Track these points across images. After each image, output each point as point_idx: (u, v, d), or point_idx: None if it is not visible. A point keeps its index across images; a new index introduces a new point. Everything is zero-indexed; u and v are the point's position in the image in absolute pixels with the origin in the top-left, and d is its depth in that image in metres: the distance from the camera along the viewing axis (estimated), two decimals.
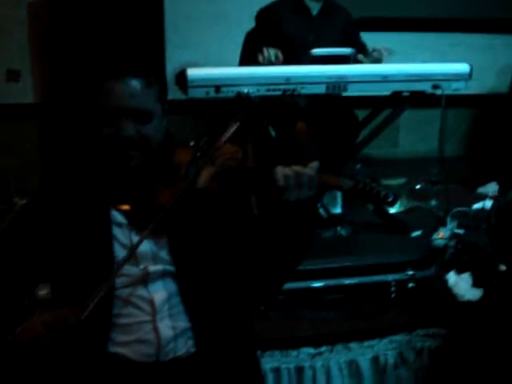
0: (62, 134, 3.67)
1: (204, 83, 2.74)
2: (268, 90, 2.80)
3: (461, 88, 2.95)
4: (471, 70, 2.94)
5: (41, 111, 4.00)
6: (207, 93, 2.74)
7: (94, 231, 1.60)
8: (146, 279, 1.60)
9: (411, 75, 2.90)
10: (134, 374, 1.58)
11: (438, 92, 2.91)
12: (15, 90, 3.98)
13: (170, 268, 1.61)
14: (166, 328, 1.58)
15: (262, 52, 3.04)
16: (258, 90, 2.77)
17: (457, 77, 2.93)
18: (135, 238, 1.59)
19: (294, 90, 2.82)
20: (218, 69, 2.77)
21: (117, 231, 1.62)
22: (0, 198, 3.16)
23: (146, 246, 1.59)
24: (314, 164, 1.53)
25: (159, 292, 1.60)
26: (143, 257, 1.60)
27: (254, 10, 3.45)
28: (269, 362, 2.37)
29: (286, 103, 3.16)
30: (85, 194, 1.64)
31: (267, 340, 2.36)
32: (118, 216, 1.62)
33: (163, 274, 1.61)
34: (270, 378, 2.38)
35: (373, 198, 1.57)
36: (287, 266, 1.66)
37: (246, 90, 2.73)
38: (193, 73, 2.73)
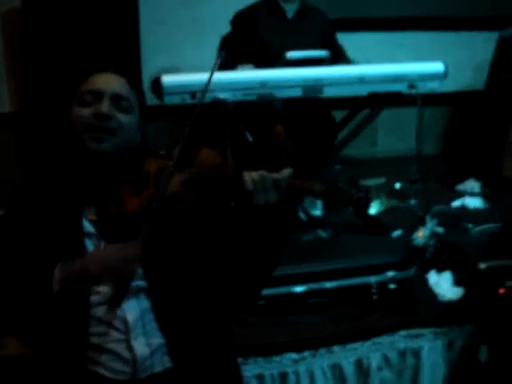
0: (39, 140, 3.64)
1: (179, 90, 2.72)
2: (244, 95, 2.79)
3: (436, 87, 2.95)
4: (446, 68, 2.95)
5: (17, 120, 3.96)
6: (183, 99, 2.73)
7: (67, 242, 1.59)
8: None
9: (386, 76, 2.90)
10: None
11: (414, 92, 2.91)
12: None
13: (142, 283, 1.60)
14: (140, 346, 1.57)
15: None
16: (234, 95, 2.76)
17: (432, 76, 2.93)
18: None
19: (269, 95, 2.82)
20: (192, 75, 2.75)
21: (87, 242, 1.61)
22: None
23: None
24: (286, 170, 1.56)
25: (132, 309, 1.58)
26: None
27: (229, 14, 3.44)
28: (252, 368, 2.37)
29: (262, 107, 3.15)
30: (57, 200, 1.63)
31: (249, 347, 2.36)
32: (88, 226, 1.62)
33: (137, 291, 1.59)
34: None
35: (346, 201, 1.57)
36: (262, 271, 1.66)
37: (221, 96, 2.72)
38: (167, 79, 2.72)
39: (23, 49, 3.76)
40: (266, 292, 2.47)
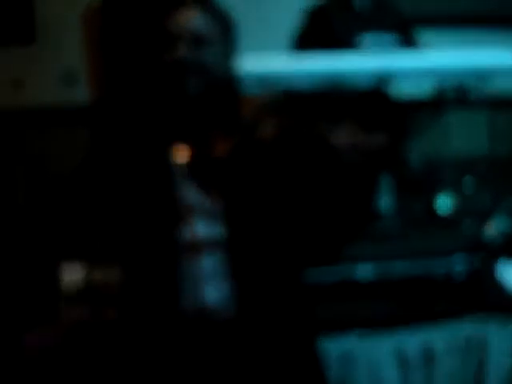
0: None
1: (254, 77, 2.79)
2: (318, 84, 2.85)
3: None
4: None
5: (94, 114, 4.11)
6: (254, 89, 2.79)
7: (157, 186, 1.59)
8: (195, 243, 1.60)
9: (460, 68, 2.90)
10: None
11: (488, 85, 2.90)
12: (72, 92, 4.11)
13: (222, 233, 1.59)
14: (211, 292, 1.59)
15: None
16: (307, 84, 2.82)
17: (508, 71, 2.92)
18: (192, 193, 1.58)
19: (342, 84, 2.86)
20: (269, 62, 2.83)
21: (179, 186, 1.60)
22: None
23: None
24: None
25: (208, 259, 1.59)
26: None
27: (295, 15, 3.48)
28: None
29: (334, 99, 3.19)
30: (144, 146, 1.63)
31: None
32: (178, 170, 1.60)
33: (214, 240, 1.59)
34: None
35: None
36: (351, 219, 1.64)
37: (294, 85, 2.78)
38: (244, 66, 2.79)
39: (103, 44, 3.91)
40: (329, 276, 2.52)
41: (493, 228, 2.92)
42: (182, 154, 1.59)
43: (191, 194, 1.58)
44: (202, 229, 1.57)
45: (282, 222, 1.60)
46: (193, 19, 1.61)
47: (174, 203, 1.56)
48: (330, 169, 1.56)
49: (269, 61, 2.85)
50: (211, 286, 1.59)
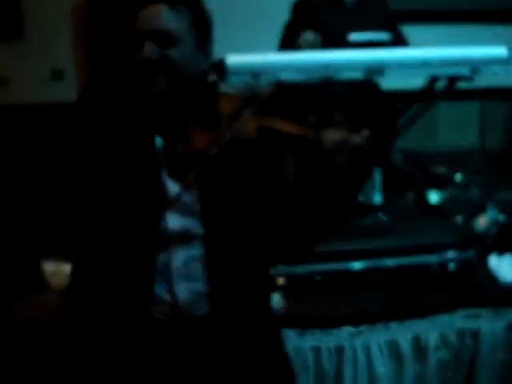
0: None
1: (243, 70, 2.77)
2: (307, 77, 2.82)
3: (500, 72, 2.92)
4: (510, 54, 2.92)
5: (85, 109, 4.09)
6: (246, 80, 2.77)
7: (133, 176, 1.56)
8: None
9: (449, 59, 2.87)
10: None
11: (477, 76, 2.89)
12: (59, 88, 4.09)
13: (198, 230, 1.57)
14: (182, 291, 1.57)
15: (300, 36, 3.07)
16: (296, 77, 2.80)
17: (495, 61, 2.90)
18: (171, 184, 1.55)
19: (332, 77, 2.84)
20: (257, 55, 2.80)
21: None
22: None
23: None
24: (365, 132, 1.53)
25: (180, 256, 1.57)
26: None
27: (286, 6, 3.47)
28: (309, 340, 2.39)
29: (323, 92, 3.18)
30: (122, 144, 1.58)
31: (307, 318, 2.38)
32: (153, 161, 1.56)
33: (189, 238, 1.57)
34: (310, 357, 2.40)
35: (427, 175, 1.55)
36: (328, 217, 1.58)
37: (283, 77, 2.76)
38: (232, 59, 2.77)
39: (92, 39, 3.89)
40: (324, 268, 2.51)
41: (484, 221, 2.91)
42: (159, 149, 1.56)
43: (168, 188, 1.55)
44: (177, 222, 1.55)
45: (259, 219, 1.59)
46: (159, 16, 1.54)
47: (149, 196, 1.55)
48: (313, 167, 1.53)
49: (254, 54, 2.83)
50: (183, 282, 1.57)
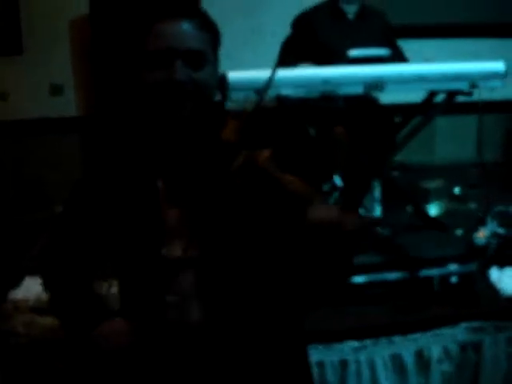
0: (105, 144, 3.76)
1: (244, 86, 2.80)
2: (307, 92, 2.85)
3: (497, 86, 2.95)
4: (507, 68, 2.95)
5: (83, 124, 4.12)
6: (247, 96, 2.79)
7: (142, 203, 1.53)
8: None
9: (447, 74, 2.91)
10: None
11: (475, 91, 2.92)
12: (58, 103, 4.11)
13: (197, 253, 1.50)
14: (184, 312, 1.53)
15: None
16: (296, 92, 2.82)
17: (493, 75, 2.94)
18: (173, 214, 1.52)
19: (332, 92, 2.87)
20: (258, 71, 2.82)
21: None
22: (40, 207, 3.25)
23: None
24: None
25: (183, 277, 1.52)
26: None
27: (288, 21, 3.50)
28: (312, 355, 2.39)
29: (324, 107, 3.20)
30: (131, 178, 1.54)
31: (310, 333, 2.38)
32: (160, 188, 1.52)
33: (185, 265, 1.53)
34: (315, 371, 2.40)
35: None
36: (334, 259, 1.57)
37: (284, 93, 2.79)
38: (233, 75, 2.79)
39: (92, 55, 3.92)
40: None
41: (484, 234, 2.93)
42: (167, 176, 1.53)
43: (172, 214, 1.52)
44: (179, 248, 1.51)
45: (258, 249, 1.52)
46: (188, 33, 1.42)
47: (156, 223, 1.52)
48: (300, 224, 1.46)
49: (256, 70, 2.85)
50: (187, 305, 1.52)
